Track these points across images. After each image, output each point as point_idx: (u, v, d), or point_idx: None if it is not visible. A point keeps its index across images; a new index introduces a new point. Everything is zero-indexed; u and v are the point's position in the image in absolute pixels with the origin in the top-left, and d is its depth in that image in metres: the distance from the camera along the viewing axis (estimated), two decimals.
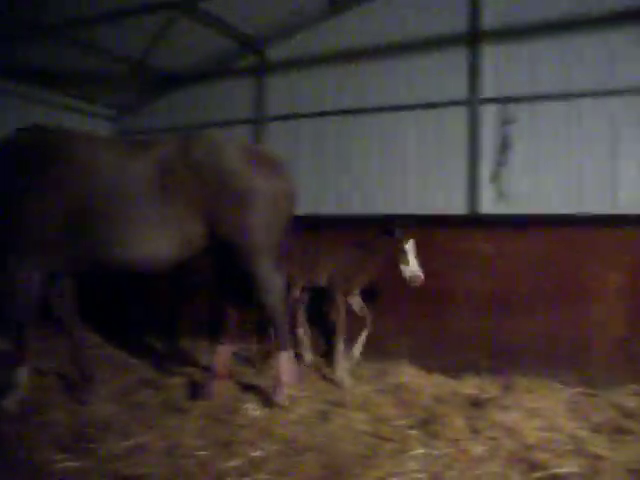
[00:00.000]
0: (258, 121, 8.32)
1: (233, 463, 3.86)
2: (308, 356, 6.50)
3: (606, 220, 6.27)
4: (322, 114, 7.98)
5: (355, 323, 6.07)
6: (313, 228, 6.73)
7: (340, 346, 5.94)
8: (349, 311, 6.14)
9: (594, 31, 6.69)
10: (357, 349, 6.08)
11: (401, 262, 5.66)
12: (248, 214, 4.93)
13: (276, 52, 8.47)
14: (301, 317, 6.54)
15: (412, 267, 5.62)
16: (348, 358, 6.01)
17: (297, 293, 6.42)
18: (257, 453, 4.03)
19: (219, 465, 3.84)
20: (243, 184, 4.90)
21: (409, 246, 5.66)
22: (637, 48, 6.52)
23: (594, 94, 6.65)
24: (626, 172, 6.50)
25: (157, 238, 4.88)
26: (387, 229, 5.83)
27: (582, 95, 6.70)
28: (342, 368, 5.87)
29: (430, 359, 5.94)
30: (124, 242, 4.84)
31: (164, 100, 9.28)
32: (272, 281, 5.07)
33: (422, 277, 5.58)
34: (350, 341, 6.04)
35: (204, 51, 8.50)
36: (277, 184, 5.11)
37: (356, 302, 6.23)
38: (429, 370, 6.12)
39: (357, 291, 6.22)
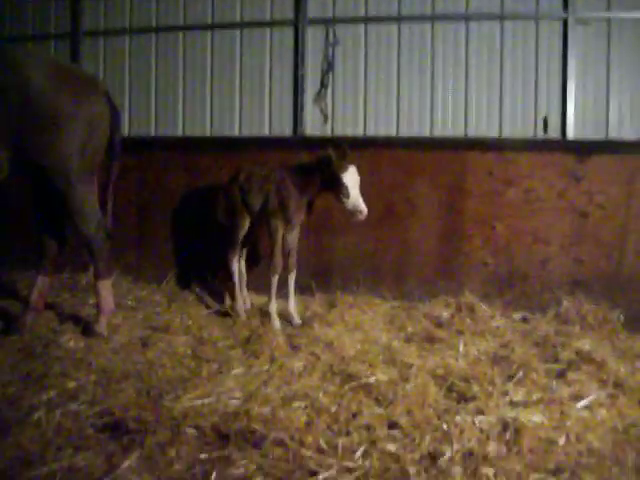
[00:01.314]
0: (74, 36, 7.69)
1: (45, 396, 3.70)
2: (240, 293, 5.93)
3: (426, 142, 6.57)
4: (146, 30, 7.52)
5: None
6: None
7: (274, 281, 5.40)
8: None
9: None
10: (291, 295, 5.57)
11: (341, 194, 4.95)
12: (58, 137, 4.58)
13: None
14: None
15: (352, 200, 4.92)
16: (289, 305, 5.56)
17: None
18: (72, 384, 3.89)
19: (30, 399, 3.66)
20: (50, 105, 4.52)
21: (349, 175, 4.93)
22: None
23: (416, 19, 6.75)
24: (444, 95, 6.74)
25: None
26: (323, 156, 5.05)
27: (404, 19, 6.78)
28: (274, 308, 5.43)
29: (261, 280, 5.97)
30: None
31: None
32: (88, 208, 4.80)
33: (364, 211, 4.90)
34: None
35: None
36: (90, 104, 4.78)
37: (292, 237, 5.58)
38: (258, 291, 6.20)
39: (297, 224, 5.53)
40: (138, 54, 7.59)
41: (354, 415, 3.48)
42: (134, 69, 7.59)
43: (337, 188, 4.96)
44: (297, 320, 5.45)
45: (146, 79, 7.53)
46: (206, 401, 3.63)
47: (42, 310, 5.24)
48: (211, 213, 6.57)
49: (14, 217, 7.11)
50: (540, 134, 6.51)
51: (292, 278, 5.55)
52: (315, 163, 5.23)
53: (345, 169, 4.93)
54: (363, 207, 4.91)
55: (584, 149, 6.11)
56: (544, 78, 6.54)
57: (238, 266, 5.87)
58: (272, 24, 7.13)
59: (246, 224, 5.72)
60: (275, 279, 5.40)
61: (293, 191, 5.31)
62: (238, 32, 7.23)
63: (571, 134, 6.40)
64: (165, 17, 7.48)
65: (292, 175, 5.38)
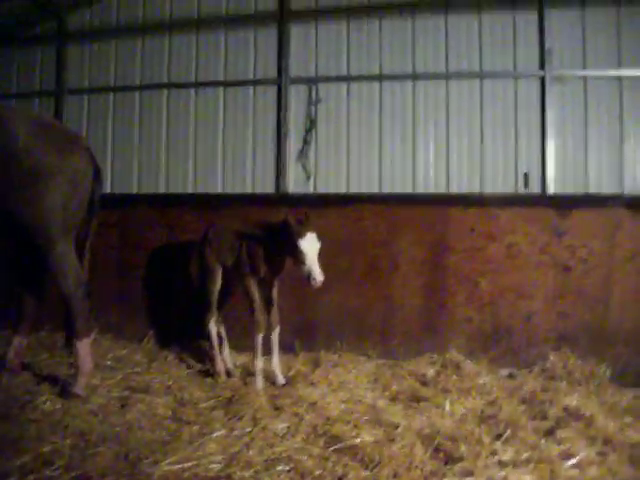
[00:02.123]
0: (58, 93, 7.77)
1: (19, 461, 3.55)
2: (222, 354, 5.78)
3: (408, 199, 6.60)
4: (130, 88, 7.62)
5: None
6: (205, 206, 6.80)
7: (258, 340, 5.22)
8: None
9: (396, 17, 6.99)
10: (275, 353, 5.40)
11: (298, 260, 4.80)
12: (40, 194, 4.54)
13: (77, 19, 7.89)
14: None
15: (307, 266, 4.73)
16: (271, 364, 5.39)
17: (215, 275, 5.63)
18: (47, 448, 3.73)
19: (3, 464, 3.52)
20: (33, 161, 4.49)
21: (306, 242, 4.77)
22: (434, 37, 6.90)
23: (397, 77, 6.91)
24: (426, 151, 6.83)
25: None
26: (283, 220, 4.94)
27: (386, 78, 6.93)
28: (259, 367, 5.25)
29: (242, 339, 5.87)
30: None
31: None
32: (68, 265, 4.73)
33: (319, 279, 4.69)
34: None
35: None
36: (73, 161, 4.77)
37: (271, 294, 5.42)
38: (240, 350, 6.11)
39: (274, 282, 5.40)
40: (121, 111, 7.67)
41: (340, 479, 3.39)
42: (117, 126, 7.66)
43: (294, 253, 4.83)
44: (281, 379, 5.32)
45: (129, 136, 7.59)
46: (186, 465, 3.52)
47: (19, 370, 5.11)
48: (188, 271, 6.51)
49: None
50: (521, 190, 6.59)
51: (275, 335, 5.41)
52: (279, 225, 5.09)
53: (303, 235, 4.78)
54: (318, 275, 4.70)
55: (565, 204, 6.16)
56: (524, 134, 6.66)
57: (216, 327, 5.76)
58: (255, 83, 7.26)
59: (218, 282, 5.64)
60: (259, 337, 5.26)
61: (262, 248, 5.21)
62: (222, 90, 7.34)
63: (552, 189, 6.49)
64: (149, 75, 7.61)
65: (262, 232, 5.28)
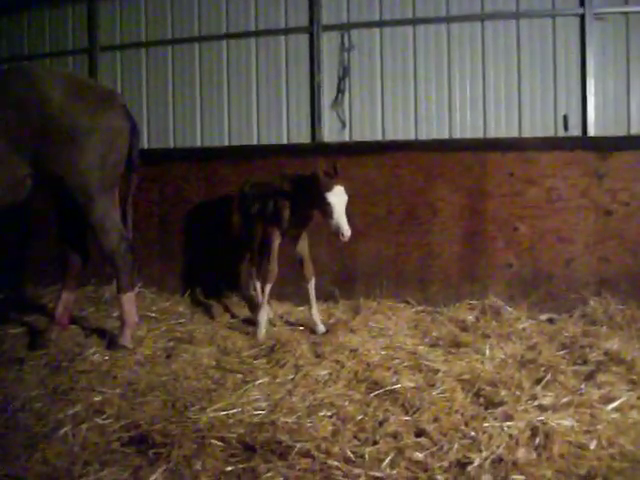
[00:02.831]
0: (91, 51, 7.78)
1: (71, 410, 3.70)
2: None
3: (445, 145, 6.51)
4: (162, 42, 7.58)
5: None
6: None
7: (267, 289, 5.29)
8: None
9: None
10: (313, 303, 5.42)
11: (326, 213, 4.77)
12: (77, 152, 4.61)
13: None
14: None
15: (335, 220, 4.70)
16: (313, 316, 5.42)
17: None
18: (97, 398, 3.89)
19: (56, 414, 3.67)
20: (69, 120, 4.55)
21: (334, 196, 4.73)
22: None
23: (431, 21, 6.73)
24: (462, 96, 6.71)
25: None
26: (312, 173, 4.88)
27: (419, 21, 6.75)
28: (264, 317, 5.30)
29: (283, 287, 5.96)
30: None
31: None
32: (109, 221, 4.82)
33: (346, 233, 4.66)
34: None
35: None
36: (109, 118, 4.81)
37: (300, 247, 5.43)
38: (280, 299, 6.22)
39: (301, 235, 5.40)
40: (155, 66, 7.66)
41: (380, 423, 3.45)
42: (151, 81, 7.66)
43: (322, 207, 4.80)
44: (321, 328, 5.38)
45: (163, 91, 7.59)
46: (231, 412, 3.62)
47: (67, 324, 5.28)
48: (228, 224, 6.57)
49: (38, 232, 7.17)
50: (560, 132, 6.44)
51: (312, 287, 5.43)
52: (307, 178, 5.02)
53: (331, 189, 4.73)
54: (346, 229, 4.68)
55: (606, 146, 6.02)
56: (563, 75, 6.47)
57: (257, 278, 5.84)
58: (287, 32, 7.15)
59: (256, 234, 5.74)
60: (268, 287, 5.29)
61: (289, 202, 5.19)
62: (253, 41, 7.26)
63: (592, 131, 6.33)
64: (180, 29, 7.54)
65: (291, 185, 5.26)
